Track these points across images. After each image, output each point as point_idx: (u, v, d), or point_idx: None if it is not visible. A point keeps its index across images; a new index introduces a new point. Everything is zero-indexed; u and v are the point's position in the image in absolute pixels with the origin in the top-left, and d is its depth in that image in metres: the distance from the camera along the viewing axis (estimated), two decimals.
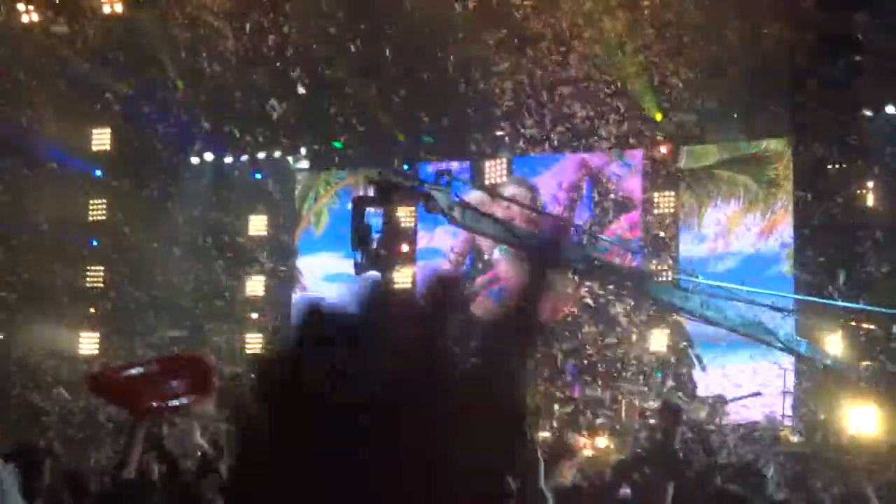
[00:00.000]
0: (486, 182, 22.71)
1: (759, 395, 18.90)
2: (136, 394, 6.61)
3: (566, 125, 20.83)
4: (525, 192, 22.85)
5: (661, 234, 21.37)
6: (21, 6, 21.00)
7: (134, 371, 7.17)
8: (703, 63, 19.52)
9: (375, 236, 13.59)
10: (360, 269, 13.86)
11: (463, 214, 14.38)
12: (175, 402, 6.75)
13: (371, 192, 14.34)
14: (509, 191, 22.91)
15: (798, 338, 17.76)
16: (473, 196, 22.12)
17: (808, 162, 19.75)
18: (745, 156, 21.24)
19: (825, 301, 17.92)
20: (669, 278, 18.48)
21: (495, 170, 22.95)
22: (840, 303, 17.85)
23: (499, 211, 18.38)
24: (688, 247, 21.43)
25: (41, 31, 21.26)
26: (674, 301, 16.84)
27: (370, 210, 13.98)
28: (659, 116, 20.71)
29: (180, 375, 6.71)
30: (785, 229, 20.61)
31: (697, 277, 17.62)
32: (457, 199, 14.31)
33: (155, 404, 6.63)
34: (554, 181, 22.59)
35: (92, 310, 24.23)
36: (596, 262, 15.81)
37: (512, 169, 22.98)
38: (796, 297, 18.70)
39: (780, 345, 17.09)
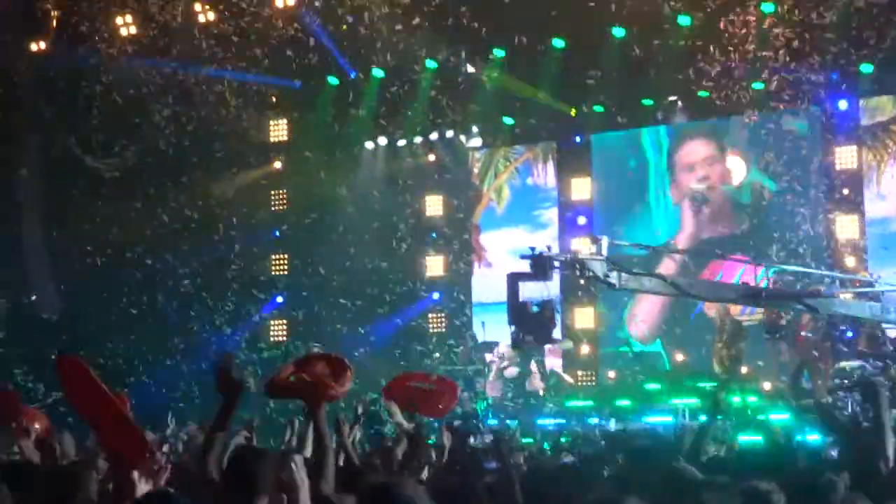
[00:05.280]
0: None
1: None
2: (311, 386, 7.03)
3: (739, 85, 20.49)
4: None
5: (846, 192, 20.98)
6: (198, 6, 21.64)
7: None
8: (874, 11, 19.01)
9: (534, 310, 13.52)
10: (517, 343, 13.96)
11: (620, 278, 14.02)
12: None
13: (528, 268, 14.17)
14: None
15: None
16: None
17: None
18: None
19: None
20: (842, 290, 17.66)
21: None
22: None
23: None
24: (869, 206, 21.05)
25: (216, 28, 21.85)
26: (852, 313, 16.31)
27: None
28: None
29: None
30: None
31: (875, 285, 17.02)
32: (612, 264, 13.97)
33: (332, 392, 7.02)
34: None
35: (280, 298, 25.03)
36: (764, 294, 15.30)
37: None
38: None
39: None
